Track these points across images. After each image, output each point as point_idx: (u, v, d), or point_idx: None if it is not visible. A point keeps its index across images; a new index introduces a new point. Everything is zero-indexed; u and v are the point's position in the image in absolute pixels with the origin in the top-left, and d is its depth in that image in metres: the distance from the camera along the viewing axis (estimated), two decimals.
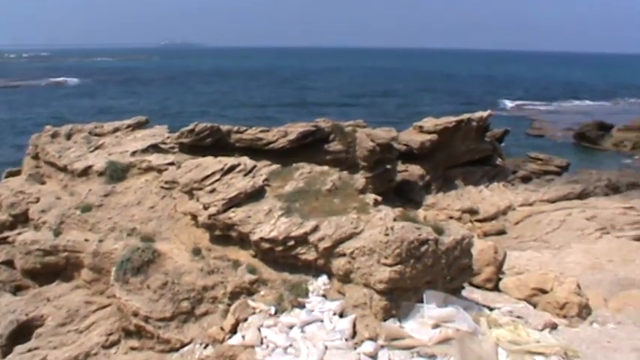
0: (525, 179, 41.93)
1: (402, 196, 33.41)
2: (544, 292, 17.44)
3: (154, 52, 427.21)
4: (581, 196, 36.76)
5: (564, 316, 16.05)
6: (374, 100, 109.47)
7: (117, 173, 19.89)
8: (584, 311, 16.53)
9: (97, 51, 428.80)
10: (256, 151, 24.95)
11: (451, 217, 31.28)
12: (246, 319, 12.99)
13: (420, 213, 28.90)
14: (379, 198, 15.34)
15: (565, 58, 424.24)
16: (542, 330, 13.16)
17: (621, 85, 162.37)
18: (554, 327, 13.86)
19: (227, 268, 14.31)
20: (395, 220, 13.01)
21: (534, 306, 16.91)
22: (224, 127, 25.71)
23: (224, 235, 15.08)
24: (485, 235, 29.90)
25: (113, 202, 18.88)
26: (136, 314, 13.99)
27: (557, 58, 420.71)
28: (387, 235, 11.87)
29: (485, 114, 38.93)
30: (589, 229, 30.40)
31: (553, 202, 34.91)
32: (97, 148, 22.43)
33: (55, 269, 18.38)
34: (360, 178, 16.92)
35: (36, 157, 23.65)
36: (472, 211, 32.71)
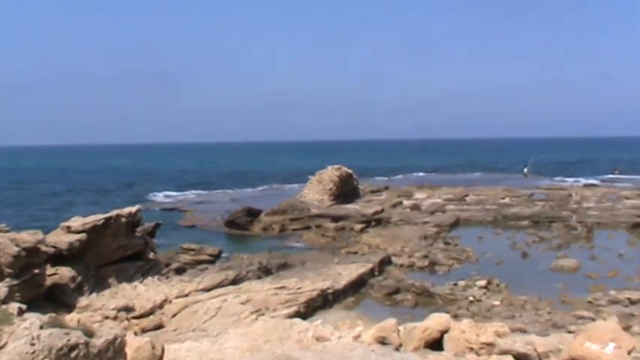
0: (179, 270, 42.18)
1: (54, 300, 31.88)
2: None
3: None
4: (235, 281, 38.07)
5: None
6: (15, 203, 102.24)
7: None
8: None
9: None
10: None
11: (107, 317, 30.51)
12: None
13: (74, 317, 27.75)
14: (24, 306, 14.56)
15: (213, 149, 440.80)
16: None
17: (272, 171, 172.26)
18: None
19: None
20: (42, 327, 12.39)
21: None
22: None
23: None
24: (144, 331, 29.51)
25: None
26: None
27: (205, 149, 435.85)
28: (33, 344, 11.24)
29: (134, 209, 38.91)
30: (245, 312, 31.57)
31: (208, 290, 35.65)
32: None
33: None
34: (2, 287, 15.94)
35: None
36: (128, 309, 32.18)
